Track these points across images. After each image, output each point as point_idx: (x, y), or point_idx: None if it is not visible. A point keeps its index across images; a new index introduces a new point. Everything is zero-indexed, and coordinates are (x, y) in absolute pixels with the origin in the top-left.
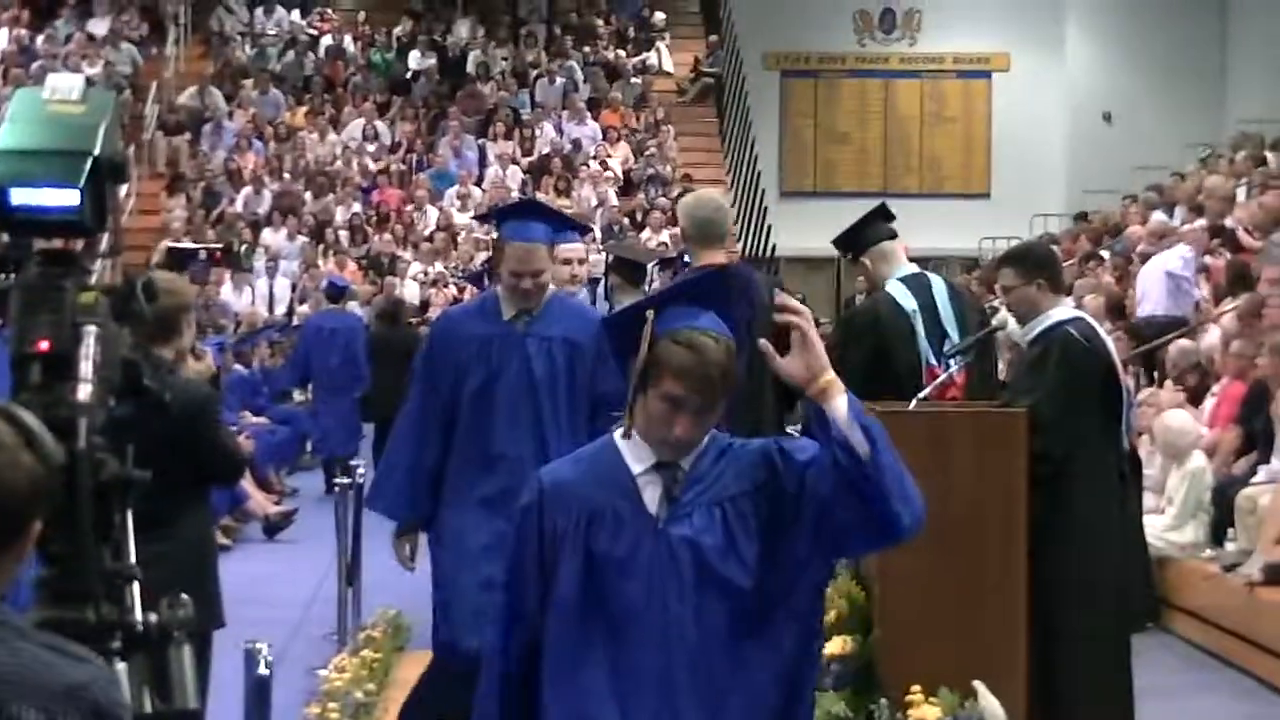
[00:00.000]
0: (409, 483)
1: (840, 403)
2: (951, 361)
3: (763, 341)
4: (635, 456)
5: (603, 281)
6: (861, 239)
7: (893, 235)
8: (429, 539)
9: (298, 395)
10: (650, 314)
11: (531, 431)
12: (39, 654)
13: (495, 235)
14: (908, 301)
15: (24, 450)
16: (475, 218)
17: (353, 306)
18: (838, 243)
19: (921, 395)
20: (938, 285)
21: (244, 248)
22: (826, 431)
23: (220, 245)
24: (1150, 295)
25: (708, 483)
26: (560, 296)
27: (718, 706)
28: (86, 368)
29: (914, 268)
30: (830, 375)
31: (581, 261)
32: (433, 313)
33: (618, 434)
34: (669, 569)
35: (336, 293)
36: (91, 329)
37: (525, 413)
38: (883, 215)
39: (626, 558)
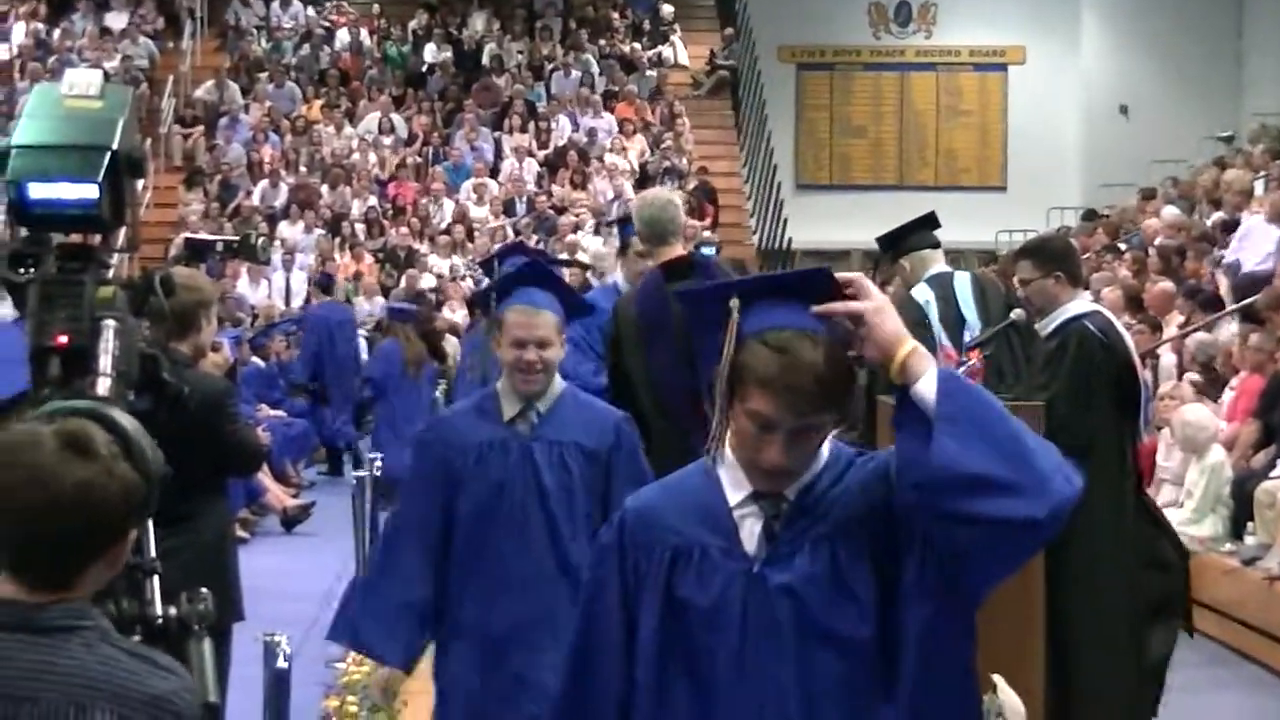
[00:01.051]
0: (400, 620)
1: (927, 379)
2: (969, 356)
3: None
4: (733, 482)
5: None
6: (905, 241)
7: (936, 245)
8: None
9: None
10: (735, 303)
11: (550, 551)
12: (125, 661)
13: (490, 307)
14: (922, 294)
15: (121, 460)
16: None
17: (359, 300)
18: (882, 240)
19: None
20: (960, 279)
21: (261, 241)
22: (920, 420)
23: (237, 238)
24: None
25: (817, 514)
26: (573, 390)
27: None
28: (105, 362)
29: (944, 269)
30: (909, 345)
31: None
32: (448, 308)
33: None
34: (764, 622)
35: (326, 281)
36: (110, 323)
37: (538, 532)
38: (931, 223)
39: (714, 607)
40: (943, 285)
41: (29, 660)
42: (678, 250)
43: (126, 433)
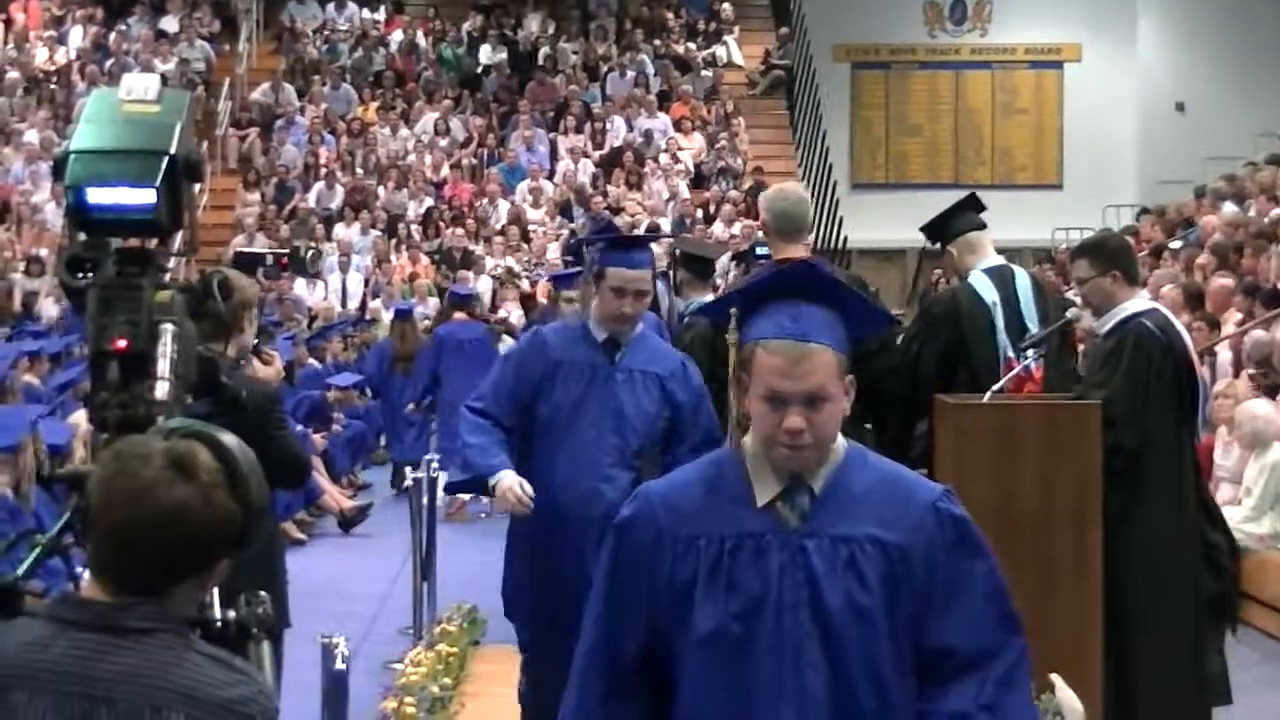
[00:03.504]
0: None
1: None
2: (1028, 354)
3: None
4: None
5: (670, 276)
6: (950, 227)
7: (981, 226)
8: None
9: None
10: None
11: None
12: (203, 665)
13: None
14: (989, 294)
15: (222, 489)
16: (569, 248)
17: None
18: (926, 229)
19: (996, 388)
20: (1021, 278)
21: (310, 253)
22: None
23: (286, 251)
24: None
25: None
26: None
27: None
28: (164, 365)
29: (999, 259)
30: None
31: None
32: (504, 308)
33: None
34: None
35: (460, 300)
36: (168, 327)
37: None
38: (973, 205)
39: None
40: (1004, 283)
41: (109, 661)
42: (800, 251)
43: (235, 461)
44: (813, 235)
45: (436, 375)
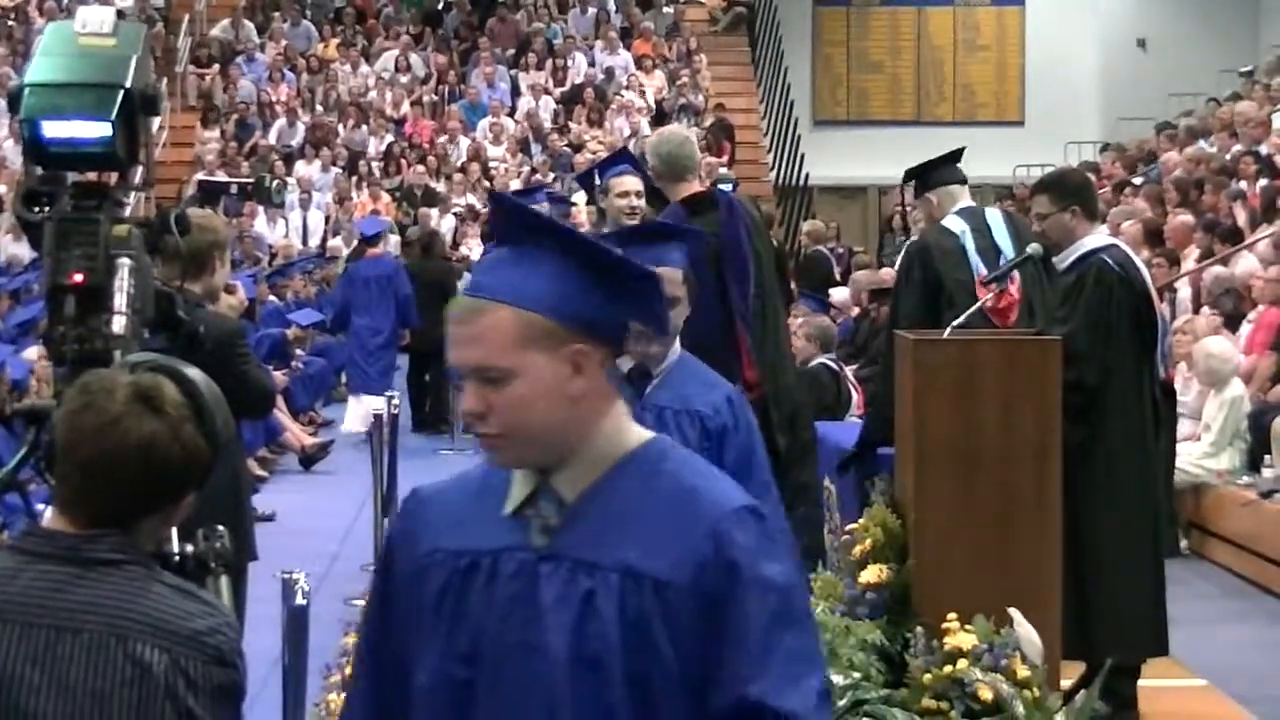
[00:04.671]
0: None
1: None
2: (990, 287)
3: None
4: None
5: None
6: (935, 175)
7: (963, 181)
8: None
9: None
10: None
11: None
12: (169, 597)
13: None
14: (957, 225)
15: (189, 422)
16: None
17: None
18: (911, 172)
19: (966, 316)
20: (991, 213)
21: (275, 183)
22: None
23: (251, 180)
24: None
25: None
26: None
27: None
28: (121, 300)
29: (970, 203)
30: None
31: (639, 194)
32: (466, 245)
33: None
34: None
35: (372, 239)
36: (125, 261)
37: None
38: (957, 159)
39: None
40: (975, 217)
41: (76, 592)
42: (695, 186)
43: (201, 395)
44: (774, 173)
45: (346, 309)
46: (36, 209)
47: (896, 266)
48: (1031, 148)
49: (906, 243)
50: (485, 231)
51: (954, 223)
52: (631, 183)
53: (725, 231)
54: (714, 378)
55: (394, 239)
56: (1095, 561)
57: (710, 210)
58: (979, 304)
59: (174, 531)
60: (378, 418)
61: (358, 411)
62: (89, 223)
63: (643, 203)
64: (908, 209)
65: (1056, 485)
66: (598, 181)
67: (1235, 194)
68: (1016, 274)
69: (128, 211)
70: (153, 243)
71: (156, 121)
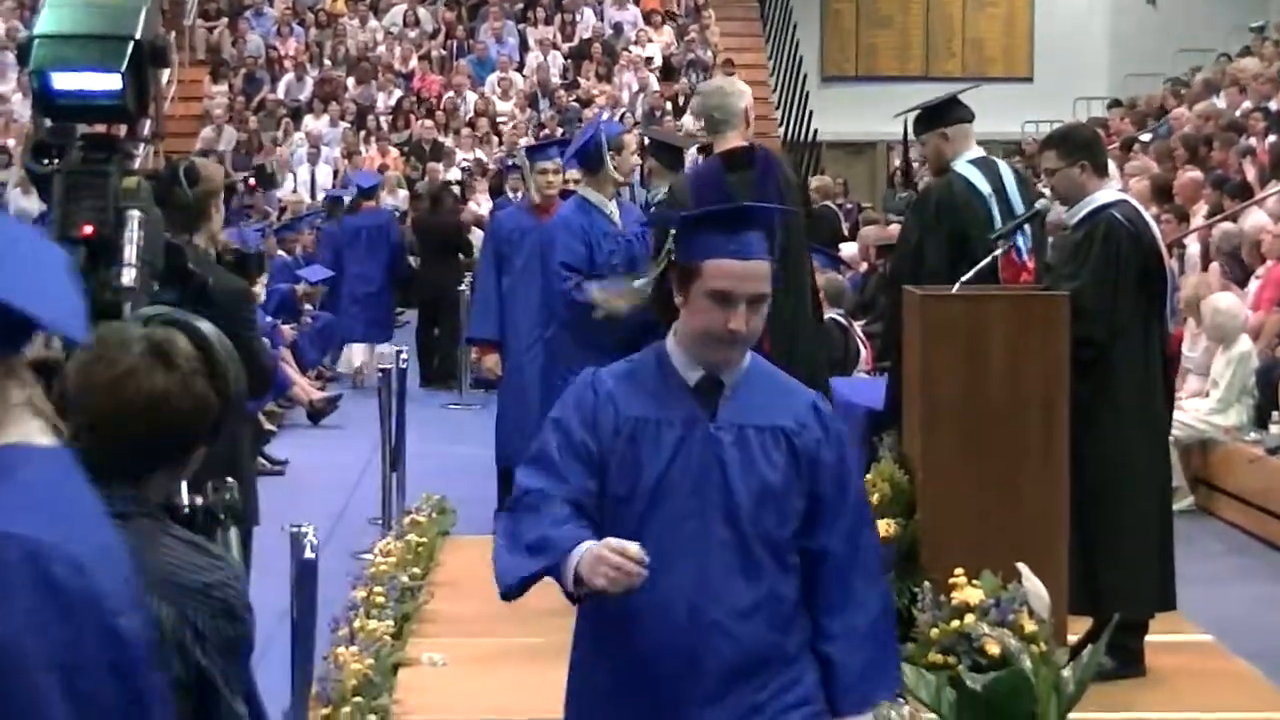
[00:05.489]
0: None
1: None
2: (999, 245)
3: None
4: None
5: (639, 166)
6: (948, 112)
7: (972, 118)
8: None
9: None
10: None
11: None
12: (179, 550)
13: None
14: (982, 185)
15: (201, 376)
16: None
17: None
18: (922, 114)
19: (966, 278)
20: (1005, 170)
21: (270, 169)
22: None
23: (251, 173)
24: None
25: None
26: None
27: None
28: (130, 252)
29: (981, 151)
30: None
31: (557, 172)
32: (474, 200)
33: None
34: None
35: (367, 193)
36: (135, 214)
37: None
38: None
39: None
40: (992, 174)
41: None
42: (737, 139)
43: (213, 349)
44: (782, 128)
45: (339, 262)
46: (46, 161)
47: (908, 210)
48: (1040, 104)
49: (921, 187)
50: (494, 185)
51: (979, 180)
52: (553, 165)
53: (755, 191)
54: (793, 384)
55: (402, 193)
56: (1102, 517)
57: (746, 167)
58: (989, 258)
59: (183, 484)
60: (385, 372)
61: (346, 357)
62: (98, 175)
63: (560, 179)
64: (913, 152)
65: (1064, 441)
66: (525, 163)
67: (1244, 150)
68: (1031, 242)
69: (137, 164)
70: (162, 195)
71: (165, 74)
